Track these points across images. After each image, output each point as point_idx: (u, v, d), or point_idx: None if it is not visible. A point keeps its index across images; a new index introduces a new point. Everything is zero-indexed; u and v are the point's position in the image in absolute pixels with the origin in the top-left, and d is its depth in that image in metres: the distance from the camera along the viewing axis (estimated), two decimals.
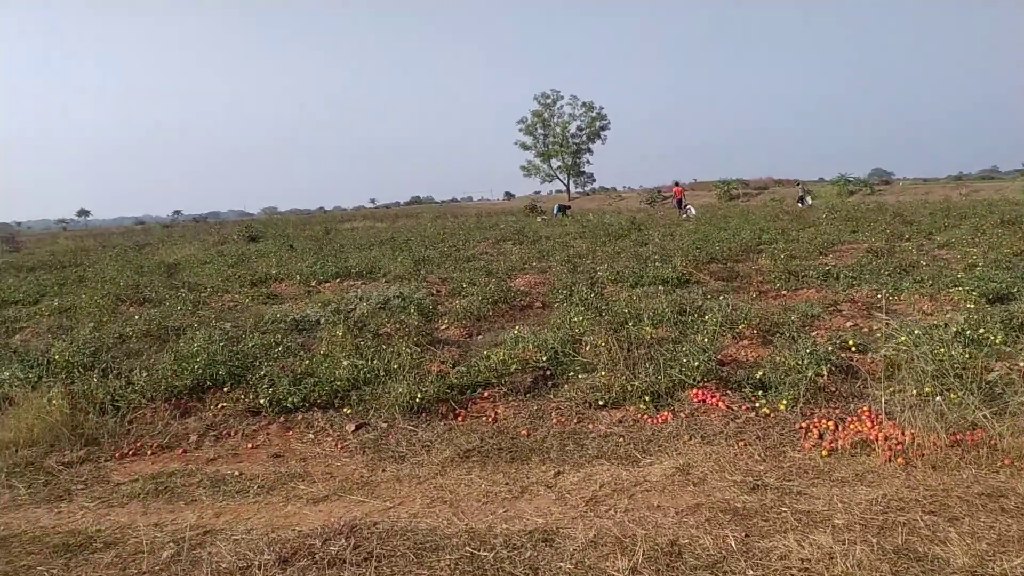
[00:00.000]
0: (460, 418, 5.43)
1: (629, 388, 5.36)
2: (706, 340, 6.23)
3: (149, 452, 5.19)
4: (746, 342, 6.69)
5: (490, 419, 5.38)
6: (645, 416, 5.10)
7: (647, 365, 5.75)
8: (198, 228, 46.18)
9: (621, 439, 4.80)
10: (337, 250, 17.93)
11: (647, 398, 5.25)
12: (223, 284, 12.46)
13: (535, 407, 5.50)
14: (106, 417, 5.67)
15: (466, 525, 3.77)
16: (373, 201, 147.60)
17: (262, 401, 5.73)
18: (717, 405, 5.15)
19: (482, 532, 3.67)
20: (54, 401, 5.61)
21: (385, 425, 5.33)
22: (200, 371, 6.25)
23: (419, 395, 5.52)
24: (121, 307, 10.86)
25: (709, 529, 3.51)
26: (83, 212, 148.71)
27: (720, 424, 4.88)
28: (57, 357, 7.22)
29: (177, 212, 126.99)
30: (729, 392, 5.38)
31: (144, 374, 6.36)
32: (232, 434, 5.44)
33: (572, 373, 6.04)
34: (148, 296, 11.49)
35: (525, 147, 63.98)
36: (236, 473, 4.71)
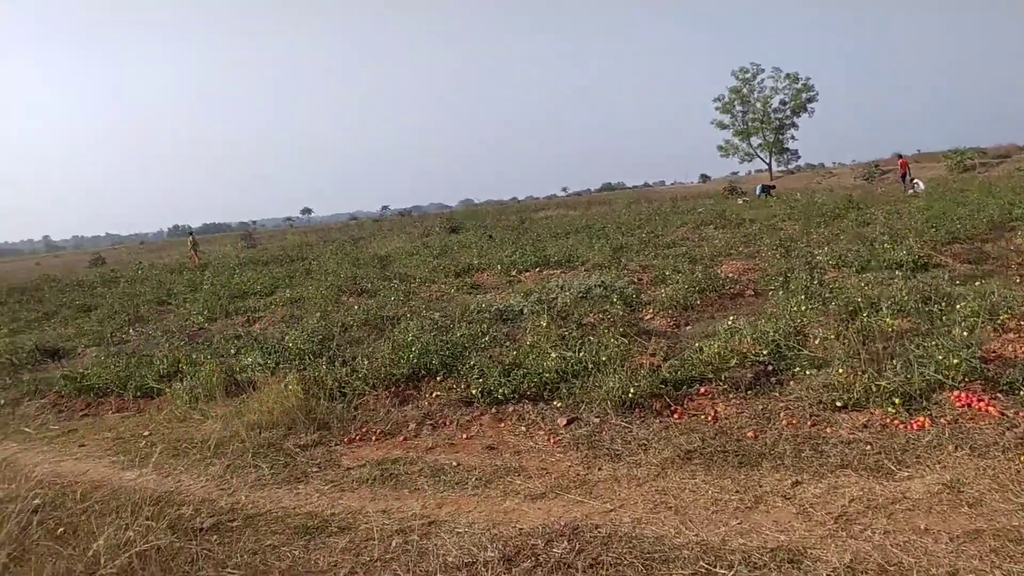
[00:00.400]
0: (677, 415, 5.11)
1: (873, 388, 4.74)
2: (965, 333, 5.39)
3: (373, 438, 5.41)
4: (1012, 335, 5.72)
5: (710, 418, 5.01)
6: (896, 421, 4.46)
7: (892, 362, 5.07)
8: (403, 221, 49.12)
9: (868, 447, 4.23)
10: (534, 239, 18.11)
11: (896, 400, 4.60)
12: (430, 275, 12.98)
13: (760, 406, 5.04)
14: (335, 403, 6.01)
15: (696, 536, 3.47)
16: (564, 189, 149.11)
17: (474, 391, 5.79)
18: (987, 411, 4.39)
19: (715, 546, 3.36)
20: (290, 387, 6.02)
21: (597, 420, 5.14)
22: (415, 360, 6.45)
23: (631, 390, 5.27)
24: (342, 297, 11.65)
25: (997, 562, 2.94)
26: (306, 210, 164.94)
27: (993, 434, 4.15)
28: (291, 345, 7.83)
29: (385, 207, 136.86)
30: (1000, 395, 4.59)
31: (366, 362, 6.69)
32: (447, 423, 5.53)
33: (798, 369, 5.49)
34: (364, 287, 12.24)
35: (722, 126, 60.96)
36: (454, 464, 4.76)
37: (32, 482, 4.96)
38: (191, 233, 34.49)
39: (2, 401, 7.74)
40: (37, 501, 4.52)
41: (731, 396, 5.28)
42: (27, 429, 6.68)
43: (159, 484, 4.82)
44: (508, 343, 7.27)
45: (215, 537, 3.95)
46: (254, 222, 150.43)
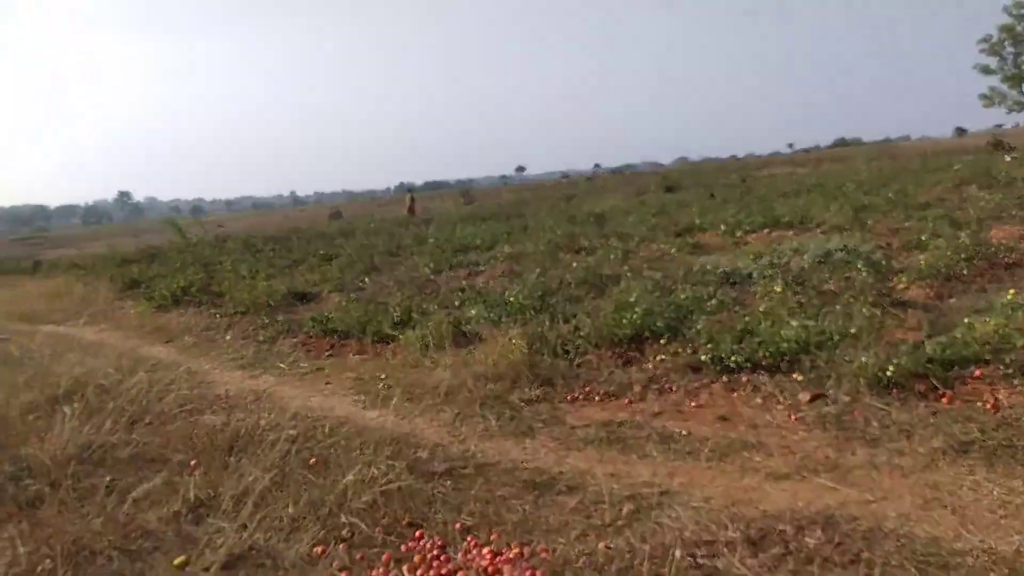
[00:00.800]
0: (946, 400, 4.44)
1: None
2: None
3: (597, 398, 5.29)
4: None
5: (988, 405, 4.29)
6: None
7: None
8: (616, 179, 48.62)
9: None
10: (760, 198, 17.00)
11: None
12: (648, 234, 12.63)
13: None
14: (557, 360, 5.98)
15: (981, 542, 2.96)
16: (790, 145, 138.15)
17: (703, 358, 5.47)
18: None
19: (1008, 556, 2.85)
20: (514, 341, 6.07)
21: (847, 399, 4.61)
22: (638, 321, 6.23)
23: (890, 368, 4.67)
24: (559, 254, 11.69)
25: None
26: (520, 168, 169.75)
27: None
28: (512, 299, 7.95)
29: (597, 165, 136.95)
30: None
31: (588, 321, 6.59)
32: (674, 389, 5.27)
33: None
34: (581, 245, 12.18)
35: (987, 71, 51.99)
36: (684, 432, 4.51)
37: (289, 414, 5.46)
38: (410, 191, 37.39)
39: (262, 338, 8.63)
40: (293, 432, 4.95)
41: (1016, 382, 4.50)
42: (281, 365, 7.38)
43: (397, 426, 5.06)
44: (737, 308, 6.83)
45: (449, 482, 4.05)
46: (471, 180, 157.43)
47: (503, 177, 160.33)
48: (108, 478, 4.36)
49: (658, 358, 5.83)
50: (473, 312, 7.88)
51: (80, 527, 3.75)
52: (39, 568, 3.46)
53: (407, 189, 44.36)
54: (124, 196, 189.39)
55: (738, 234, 11.55)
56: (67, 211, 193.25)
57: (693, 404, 4.99)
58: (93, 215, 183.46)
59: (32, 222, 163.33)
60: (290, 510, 3.72)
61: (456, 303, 8.62)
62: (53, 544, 3.57)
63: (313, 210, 76.69)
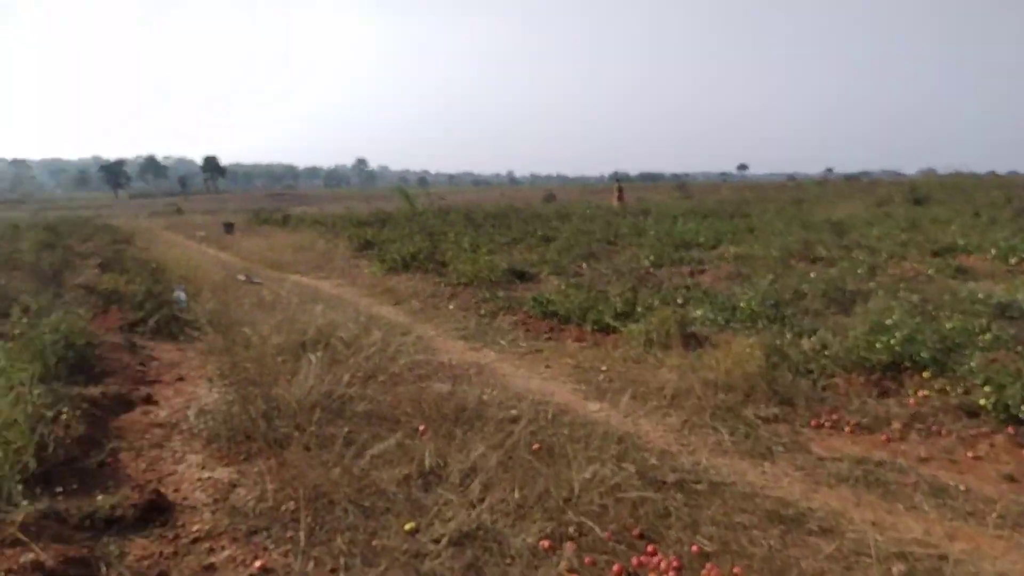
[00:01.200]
0: None
1: None
2: None
3: (846, 429, 4.71)
4: None
5: None
6: None
7: None
8: (851, 187, 44.58)
9: None
10: None
11: None
12: (898, 249, 11.32)
13: None
14: (799, 378, 5.43)
15: None
16: None
17: (982, 402, 4.68)
18: None
19: None
20: (750, 350, 5.59)
21: None
22: (897, 347, 5.49)
23: None
24: (791, 261, 10.82)
25: None
26: (742, 166, 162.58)
27: None
28: (743, 305, 7.42)
29: (829, 169, 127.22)
30: None
31: (833, 339, 5.94)
32: (943, 433, 4.55)
33: None
34: (818, 254, 11.18)
35: None
36: (960, 487, 3.85)
37: (510, 393, 5.44)
38: (619, 180, 37.25)
39: (483, 312, 8.79)
40: (515, 412, 4.90)
41: None
42: (501, 341, 7.44)
43: (620, 424, 4.84)
44: (1020, 348, 5.81)
45: (680, 496, 3.75)
46: (686, 174, 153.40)
47: (723, 174, 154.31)
48: (346, 429, 4.55)
49: (920, 393, 5.10)
50: (699, 313, 7.46)
51: (320, 474, 3.91)
52: (283, 507, 3.65)
53: (617, 178, 44.01)
54: (361, 163, 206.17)
55: (1013, 261, 9.98)
56: (312, 172, 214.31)
57: (970, 455, 4.27)
58: (333, 178, 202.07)
59: (282, 179, 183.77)
60: (516, 495, 3.63)
61: (679, 301, 8.22)
62: (296, 487, 3.75)
63: (528, 190, 78.74)
